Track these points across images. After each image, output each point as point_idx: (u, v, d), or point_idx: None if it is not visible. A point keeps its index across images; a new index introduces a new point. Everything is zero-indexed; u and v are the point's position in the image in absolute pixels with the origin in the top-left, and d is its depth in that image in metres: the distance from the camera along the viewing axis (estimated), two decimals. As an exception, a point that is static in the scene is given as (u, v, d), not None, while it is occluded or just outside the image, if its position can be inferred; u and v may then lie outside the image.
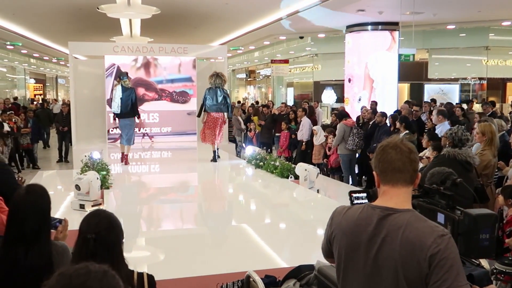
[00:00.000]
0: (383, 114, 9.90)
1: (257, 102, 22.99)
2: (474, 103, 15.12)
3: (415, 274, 1.80)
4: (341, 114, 10.28)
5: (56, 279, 1.21)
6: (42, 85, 36.90)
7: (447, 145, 5.31)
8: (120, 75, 9.51)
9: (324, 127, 11.32)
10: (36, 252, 2.49)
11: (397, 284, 1.84)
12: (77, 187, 5.75)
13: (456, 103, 13.99)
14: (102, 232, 2.22)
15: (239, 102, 22.14)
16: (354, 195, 2.34)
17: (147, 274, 2.43)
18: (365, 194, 2.33)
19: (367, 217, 1.94)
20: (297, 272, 3.05)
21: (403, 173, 1.92)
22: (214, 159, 9.49)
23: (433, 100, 12.36)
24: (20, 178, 5.03)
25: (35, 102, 27.18)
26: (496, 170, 6.10)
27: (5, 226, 2.60)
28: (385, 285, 1.87)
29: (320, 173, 7.82)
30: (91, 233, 2.21)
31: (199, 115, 9.66)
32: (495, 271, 3.24)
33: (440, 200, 2.12)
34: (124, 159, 9.28)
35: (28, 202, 2.56)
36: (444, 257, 1.76)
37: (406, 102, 13.41)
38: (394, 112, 10.97)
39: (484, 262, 2.52)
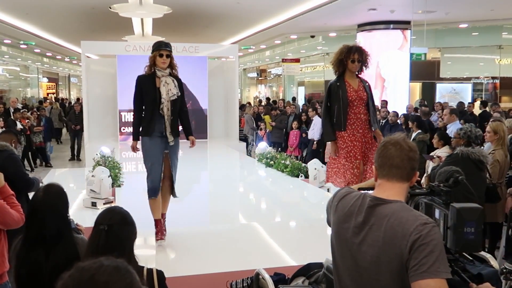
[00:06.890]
0: (396, 114, 9.87)
1: (268, 99, 22.89)
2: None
3: (397, 260, 1.81)
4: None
5: (70, 272, 1.22)
6: (54, 84, 37.18)
7: (460, 145, 5.24)
8: (161, 46, 4.66)
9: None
10: (59, 250, 2.51)
11: (379, 270, 1.86)
12: (93, 192, 5.92)
13: (469, 103, 13.86)
14: (115, 225, 2.29)
15: (249, 103, 21.91)
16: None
17: (157, 270, 2.46)
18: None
19: (360, 206, 1.98)
20: (306, 270, 3.05)
21: (399, 169, 1.95)
22: None
23: (440, 104, 12.30)
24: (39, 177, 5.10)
25: (48, 101, 27.40)
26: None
27: (25, 228, 2.62)
28: (370, 272, 1.89)
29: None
30: (103, 225, 2.28)
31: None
32: (504, 270, 3.22)
33: (442, 198, 2.13)
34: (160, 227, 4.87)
35: (46, 204, 2.57)
36: (425, 242, 1.75)
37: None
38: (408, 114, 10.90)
39: (493, 262, 2.52)
